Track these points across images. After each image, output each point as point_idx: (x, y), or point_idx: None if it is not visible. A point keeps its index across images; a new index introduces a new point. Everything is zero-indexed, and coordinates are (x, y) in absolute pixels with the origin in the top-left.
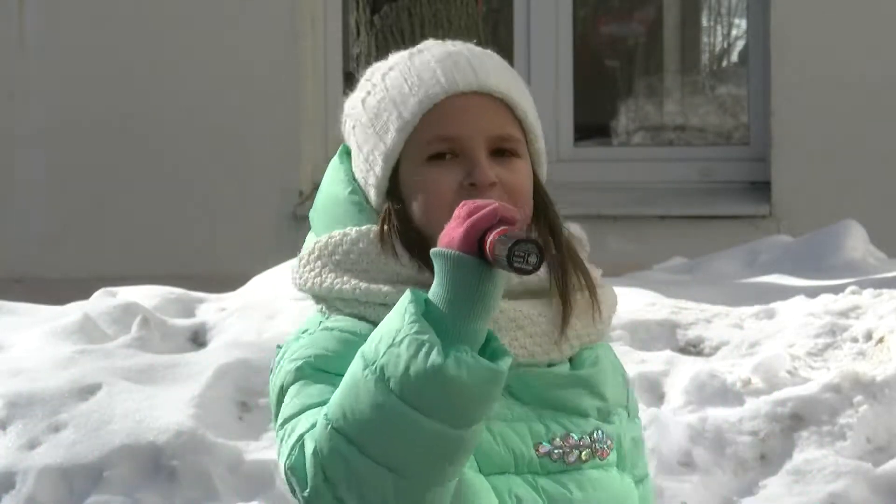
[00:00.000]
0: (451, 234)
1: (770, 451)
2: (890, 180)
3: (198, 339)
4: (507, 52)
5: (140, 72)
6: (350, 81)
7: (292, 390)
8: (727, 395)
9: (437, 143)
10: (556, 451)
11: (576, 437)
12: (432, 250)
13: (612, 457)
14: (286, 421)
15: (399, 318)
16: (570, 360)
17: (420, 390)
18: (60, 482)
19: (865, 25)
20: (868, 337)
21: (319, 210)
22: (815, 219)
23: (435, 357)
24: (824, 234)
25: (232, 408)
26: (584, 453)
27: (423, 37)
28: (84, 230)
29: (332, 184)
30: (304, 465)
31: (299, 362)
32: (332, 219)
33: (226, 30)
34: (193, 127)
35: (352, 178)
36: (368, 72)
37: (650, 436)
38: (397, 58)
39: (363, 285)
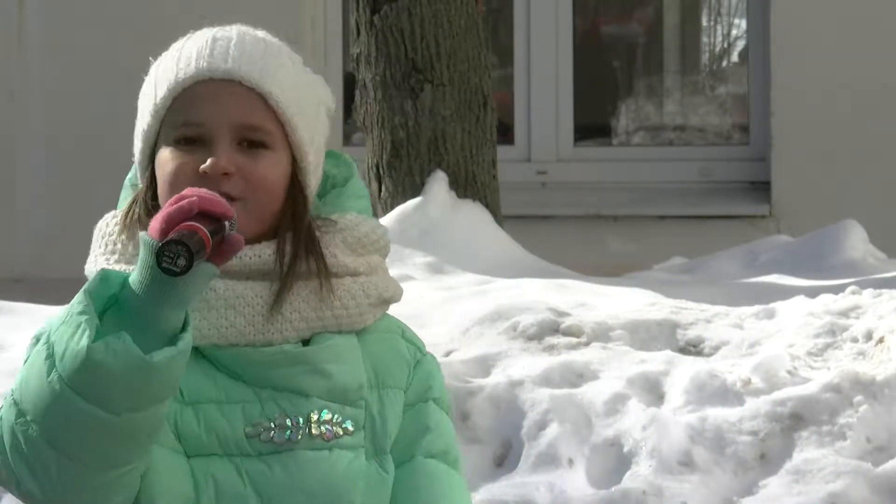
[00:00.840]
0: (155, 220)
1: (770, 451)
2: (890, 180)
3: None
4: (507, 52)
5: (140, 72)
6: (350, 81)
7: (23, 366)
8: (727, 395)
9: (183, 128)
10: (263, 433)
11: (289, 417)
12: (140, 234)
13: (351, 440)
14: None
15: (76, 297)
16: (306, 344)
17: (73, 371)
18: None
19: (865, 26)
20: (868, 337)
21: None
22: (815, 219)
23: (84, 339)
24: (824, 234)
25: None
26: (297, 433)
27: (423, 37)
28: (84, 230)
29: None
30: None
31: (34, 339)
32: (119, 203)
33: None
34: None
35: (139, 161)
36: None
37: (650, 436)
38: (179, 40)
39: (105, 266)
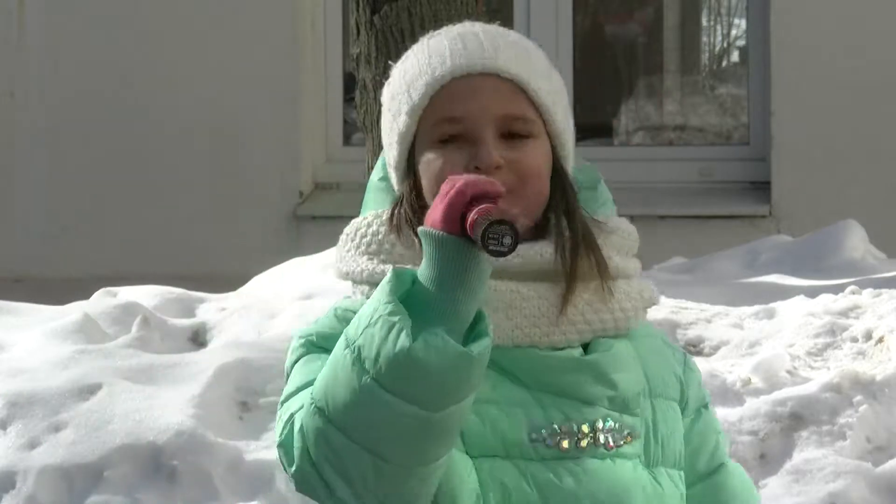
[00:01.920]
0: (433, 212)
1: (770, 451)
2: (890, 180)
3: (198, 339)
4: None
5: (140, 72)
6: (350, 81)
7: (295, 369)
8: (727, 394)
9: (445, 125)
10: (549, 438)
11: (574, 425)
12: (419, 228)
13: (630, 448)
14: (286, 399)
15: (378, 298)
16: (585, 348)
17: (391, 372)
18: (60, 482)
19: (865, 26)
20: (868, 337)
21: (365, 196)
22: (815, 219)
23: (403, 339)
24: (824, 234)
25: (232, 408)
26: (582, 441)
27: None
28: (84, 230)
29: (374, 171)
30: (292, 443)
31: (303, 339)
32: (366, 204)
33: (226, 30)
34: (193, 127)
35: (384, 164)
36: (403, 56)
37: None
38: (420, 41)
39: (370, 266)
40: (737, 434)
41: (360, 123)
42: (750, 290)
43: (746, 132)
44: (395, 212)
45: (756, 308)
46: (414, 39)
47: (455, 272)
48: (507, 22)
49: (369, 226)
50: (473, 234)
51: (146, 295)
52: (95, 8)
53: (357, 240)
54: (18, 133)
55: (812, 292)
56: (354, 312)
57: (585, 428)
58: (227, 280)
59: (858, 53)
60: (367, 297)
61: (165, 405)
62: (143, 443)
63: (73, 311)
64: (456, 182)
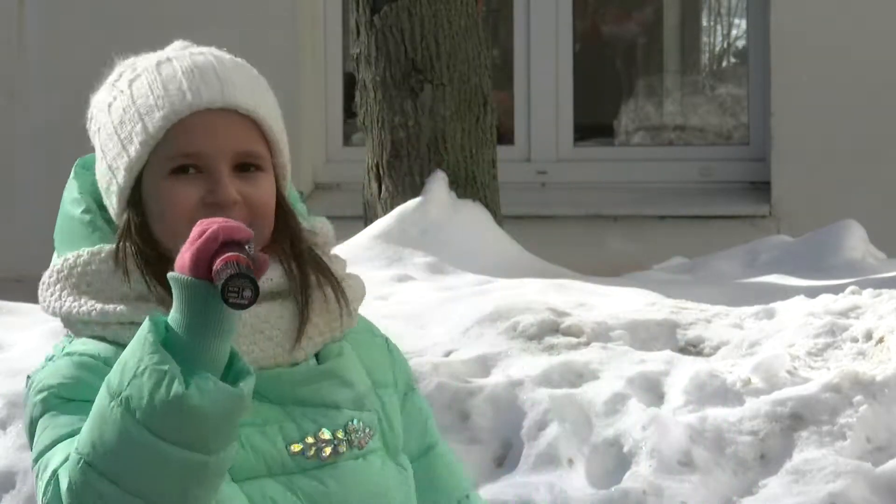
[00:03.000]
0: (182, 257)
1: (770, 451)
2: (890, 180)
3: None
4: (507, 52)
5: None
6: (350, 81)
7: (42, 423)
8: (727, 395)
9: (181, 159)
10: (309, 449)
11: (329, 432)
12: (169, 274)
13: (374, 443)
14: (39, 455)
15: (140, 347)
16: (317, 355)
17: (165, 421)
18: None
19: (865, 25)
20: (868, 337)
21: (58, 230)
22: (815, 219)
23: (177, 387)
24: (824, 234)
25: None
26: (340, 446)
27: (423, 37)
28: None
29: (67, 203)
30: (60, 501)
31: (44, 394)
32: (68, 239)
33: (226, 30)
34: None
35: (86, 195)
36: (116, 72)
37: (650, 436)
38: (145, 63)
39: (98, 306)
40: (737, 434)
41: (360, 123)
42: (750, 290)
43: (746, 132)
44: (121, 245)
45: (756, 308)
46: (414, 39)
47: (205, 317)
48: (507, 22)
49: (87, 264)
50: (216, 284)
51: None
52: (95, 8)
53: (74, 279)
54: (18, 133)
55: (812, 292)
56: (91, 356)
57: (340, 433)
58: None
59: (858, 53)
60: (97, 337)
61: None
62: None
63: None
64: (207, 227)
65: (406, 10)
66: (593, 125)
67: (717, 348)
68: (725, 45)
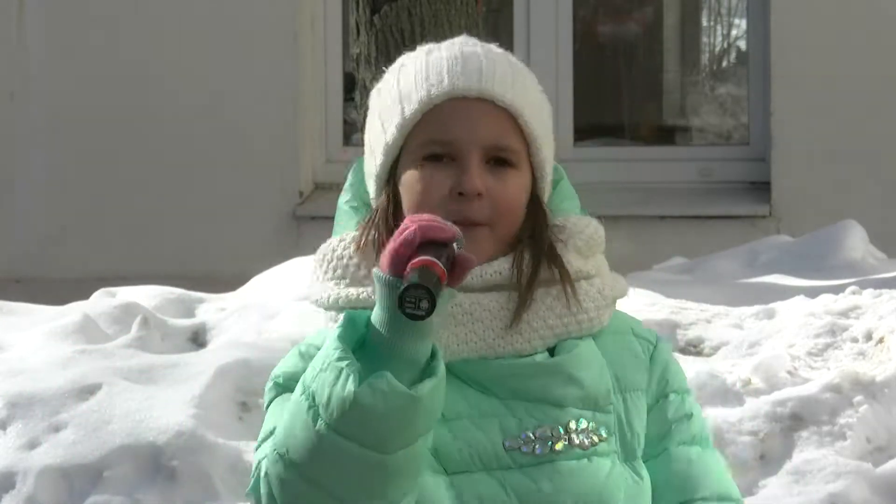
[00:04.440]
0: (384, 254)
1: (770, 451)
2: (890, 180)
3: (198, 339)
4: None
5: (140, 72)
6: (350, 81)
7: (269, 412)
8: (727, 395)
9: (433, 146)
10: (525, 445)
11: (547, 428)
12: (374, 271)
13: (606, 446)
14: (259, 444)
15: (329, 343)
16: (551, 352)
17: (341, 417)
18: (60, 482)
19: (865, 25)
20: (868, 337)
21: (335, 220)
22: (815, 219)
23: (350, 384)
24: (824, 234)
25: (232, 408)
26: (556, 444)
27: (423, 37)
28: (84, 230)
29: (342, 193)
30: (258, 489)
31: (271, 383)
32: (336, 227)
33: (226, 30)
34: (193, 127)
35: (354, 184)
36: (398, 61)
37: None
38: (418, 52)
39: (338, 291)
40: (737, 434)
41: (360, 123)
42: (750, 290)
43: (746, 132)
44: (368, 226)
45: (756, 308)
46: (414, 39)
47: (401, 317)
48: (507, 22)
49: (334, 250)
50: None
51: (146, 295)
52: (95, 8)
53: (325, 265)
54: (18, 133)
55: (812, 292)
56: (316, 347)
57: (559, 430)
58: (227, 280)
59: (858, 53)
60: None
61: (165, 405)
62: (143, 443)
63: (73, 311)
64: (409, 225)
65: (406, 10)
66: (593, 125)
67: (717, 348)
68: (725, 45)
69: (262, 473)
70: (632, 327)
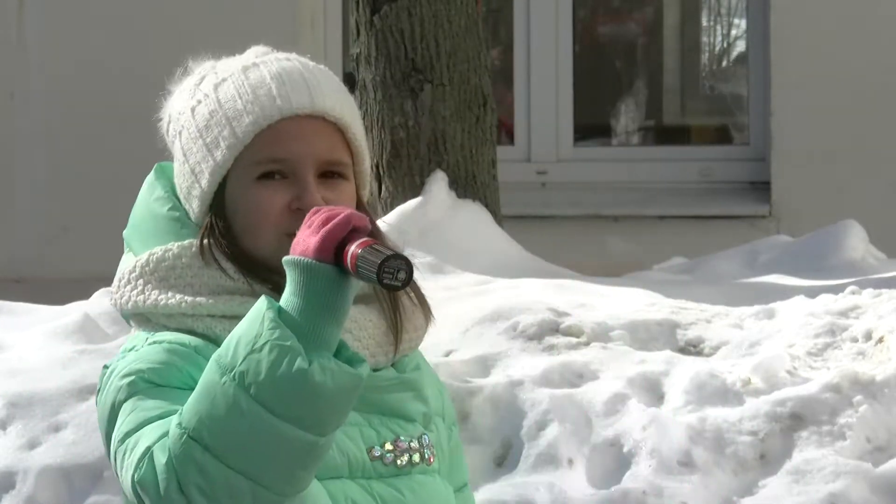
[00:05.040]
0: (305, 242)
1: (770, 451)
2: (890, 180)
3: None
4: (507, 52)
5: (140, 72)
6: (350, 81)
7: (127, 406)
8: (727, 395)
9: (268, 164)
10: (387, 455)
11: (405, 442)
12: (285, 258)
13: (437, 463)
14: (126, 436)
15: (257, 324)
16: (393, 366)
17: (283, 396)
18: (60, 482)
19: (865, 25)
20: (868, 337)
21: (137, 228)
22: (815, 219)
23: (300, 363)
24: (824, 234)
25: None
26: (414, 457)
27: (423, 37)
28: (84, 230)
29: (150, 202)
30: (155, 477)
31: (131, 377)
32: (151, 236)
33: (226, 30)
34: None
35: (171, 195)
36: (196, 76)
37: (650, 436)
38: (229, 68)
39: (189, 298)
40: (737, 434)
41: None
42: (750, 290)
43: (746, 132)
44: (206, 242)
45: (756, 308)
46: (414, 39)
47: (325, 301)
48: (507, 22)
49: (178, 257)
50: (357, 265)
51: None
52: (95, 8)
53: (161, 272)
54: (18, 133)
55: (812, 292)
56: (181, 345)
57: (414, 444)
58: None
59: (858, 53)
60: (183, 329)
61: None
62: None
63: (73, 311)
64: (334, 214)
65: (406, 10)
66: (593, 125)
67: (717, 348)
68: (725, 45)
69: (162, 460)
70: (422, 354)
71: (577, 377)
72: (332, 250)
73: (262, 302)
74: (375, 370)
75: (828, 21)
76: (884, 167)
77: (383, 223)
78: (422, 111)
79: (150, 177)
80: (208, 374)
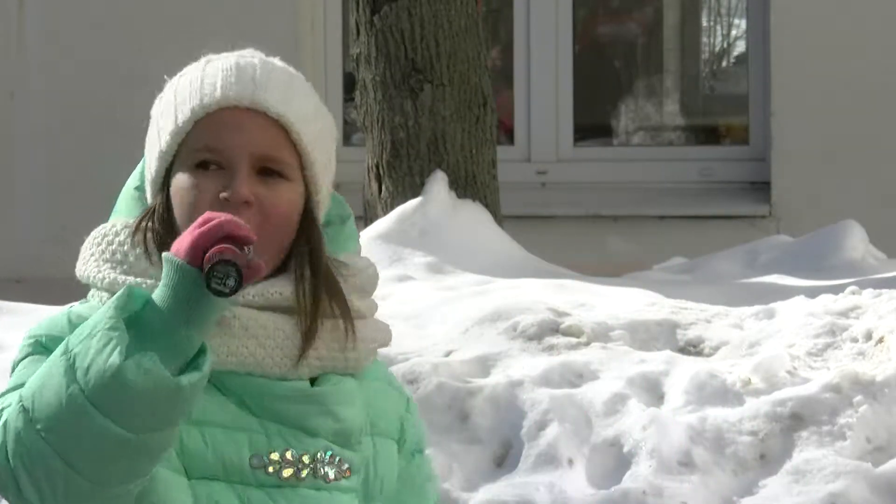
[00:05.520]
0: (181, 241)
1: (770, 451)
2: (890, 180)
3: None
4: (507, 52)
5: (140, 72)
6: (350, 81)
7: (19, 366)
8: (727, 395)
9: (203, 153)
10: (271, 465)
11: (295, 454)
12: (164, 254)
13: (347, 483)
14: (3, 394)
15: (102, 311)
16: (313, 382)
17: (98, 386)
18: None
19: (865, 25)
20: (868, 337)
21: (117, 203)
22: (815, 219)
23: (115, 356)
24: (824, 234)
25: None
26: (302, 472)
27: (423, 37)
28: (84, 230)
29: (131, 177)
30: (4, 440)
31: (31, 340)
32: (119, 210)
33: (226, 30)
34: None
35: (141, 172)
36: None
37: (650, 436)
38: (200, 61)
39: (113, 275)
40: (737, 434)
41: (360, 123)
42: (750, 290)
43: (746, 132)
44: (142, 225)
45: (756, 308)
46: (414, 39)
47: (187, 303)
48: (507, 22)
49: (116, 234)
50: (204, 267)
51: None
52: (95, 8)
53: (103, 245)
54: (18, 133)
55: (812, 292)
56: (84, 318)
57: (306, 459)
58: None
59: (858, 54)
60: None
61: None
62: None
63: None
64: (212, 218)
65: (406, 10)
66: (593, 125)
67: (717, 348)
68: (725, 45)
69: (1, 422)
70: (388, 378)
71: (577, 377)
72: (200, 253)
73: (121, 291)
74: (283, 380)
75: (828, 21)
76: (884, 167)
77: (385, 222)
78: (422, 111)
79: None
80: (57, 350)
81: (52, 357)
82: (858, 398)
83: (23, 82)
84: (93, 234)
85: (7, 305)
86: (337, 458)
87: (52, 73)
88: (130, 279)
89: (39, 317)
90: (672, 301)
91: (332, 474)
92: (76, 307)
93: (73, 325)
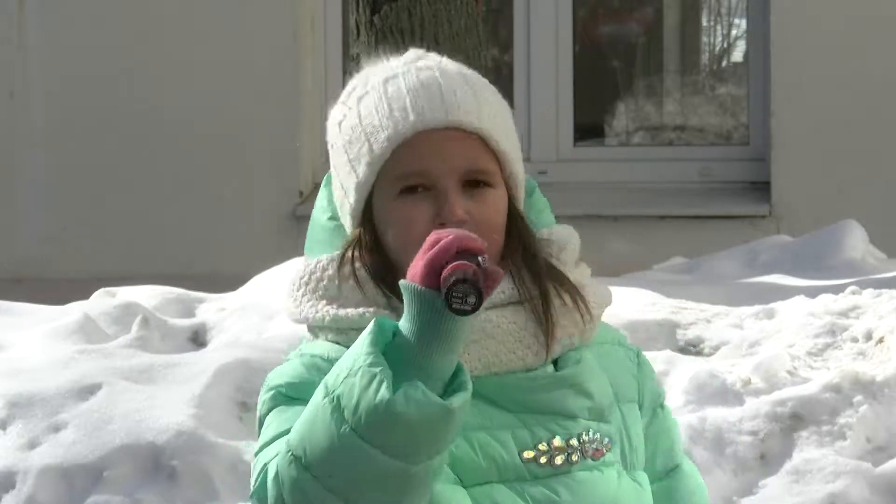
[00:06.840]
0: (415, 266)
1: (770, 451)
2: (890, 180)
3: (198, 339)
4: (507, 52)
5: (140, 72)
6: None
7: (267, 420)
8: (727, 395)
9: (408, 178)
10: (542, 456)
11: (562, 440)
12: (401, 282)
13: (611, 456)
14: (259, 451)
15: (358, 349)
16: (555, 363)
17: (370, 423)
18: (60, 482)
19: (865, 25)
20: (868, 337)
21: (308, 237)
22: (815, 219)
23: (384, 391)
24: (824, 234)
25: (232, 408)
26: (573, 455)
27: (423, 37)
28: (84, 230)
29: (317, 210)
30: (265, 492)
31: (272, 392)
32: (316, 244)
33: (226, 30)
34: (193, 127)
35: (332, 204)
36: (348, 87)
37: None
38: (374, 80)
39: (333, 311)
40: (737, 434)
41: None
42: (750, 290)
43: (746, 132)
44: (350, 256)
45: (756, 308)
46: (414, 40)
47: (433, 327)
48: (507, 22)
49: (324, 269)
50: (442, 289)
51: (146, 295)
52: (95, 8)
53: (312, 284)
54: (18, 133)
55: (812, 292)
56: (322, 358)
57: (574, 442)
58: (227, 280)
59: (858, 54)
60: (334, 342)
61: (165, 405)
62: (143, 443)
63: (73, 311)
64: (441, 237)
65: (406, 10)
66: (593, 125)
67: (717, 348)
68: (725, 45)
69: (271, 476)
70: (618, 338)
71: None
72: (436, 275)
73: (370, 325)
74: (529, 371)
75: (828, 21)
76: (884, 167)
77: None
78: None
79: (322, 184)
80: (316, 394)
81: (313, 402)
82: (858, 398)
83: (23, 82)
84: (296, 274)
85: (7, 305)
86: (598, 435)
87: (52, 73)
88: (350, 311)
89: (39, 317)
90: (672, 301)
91: (597, 452)
92: (306, 350)
93: (308, 368)
